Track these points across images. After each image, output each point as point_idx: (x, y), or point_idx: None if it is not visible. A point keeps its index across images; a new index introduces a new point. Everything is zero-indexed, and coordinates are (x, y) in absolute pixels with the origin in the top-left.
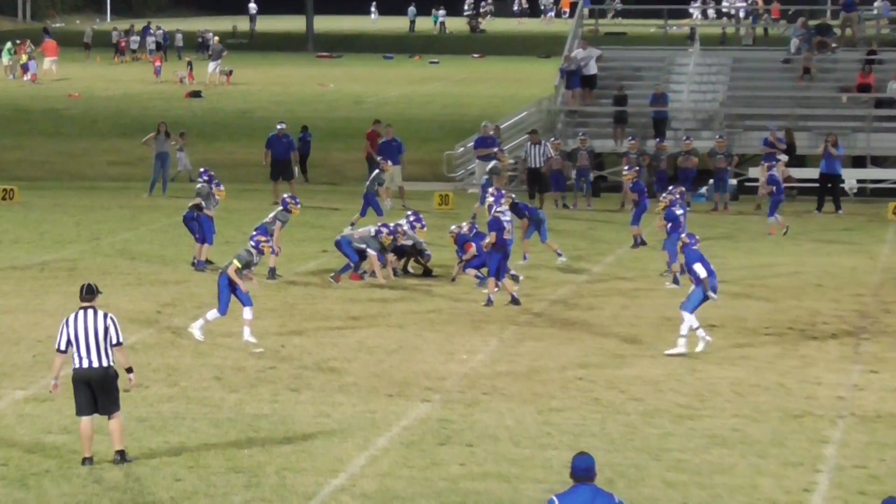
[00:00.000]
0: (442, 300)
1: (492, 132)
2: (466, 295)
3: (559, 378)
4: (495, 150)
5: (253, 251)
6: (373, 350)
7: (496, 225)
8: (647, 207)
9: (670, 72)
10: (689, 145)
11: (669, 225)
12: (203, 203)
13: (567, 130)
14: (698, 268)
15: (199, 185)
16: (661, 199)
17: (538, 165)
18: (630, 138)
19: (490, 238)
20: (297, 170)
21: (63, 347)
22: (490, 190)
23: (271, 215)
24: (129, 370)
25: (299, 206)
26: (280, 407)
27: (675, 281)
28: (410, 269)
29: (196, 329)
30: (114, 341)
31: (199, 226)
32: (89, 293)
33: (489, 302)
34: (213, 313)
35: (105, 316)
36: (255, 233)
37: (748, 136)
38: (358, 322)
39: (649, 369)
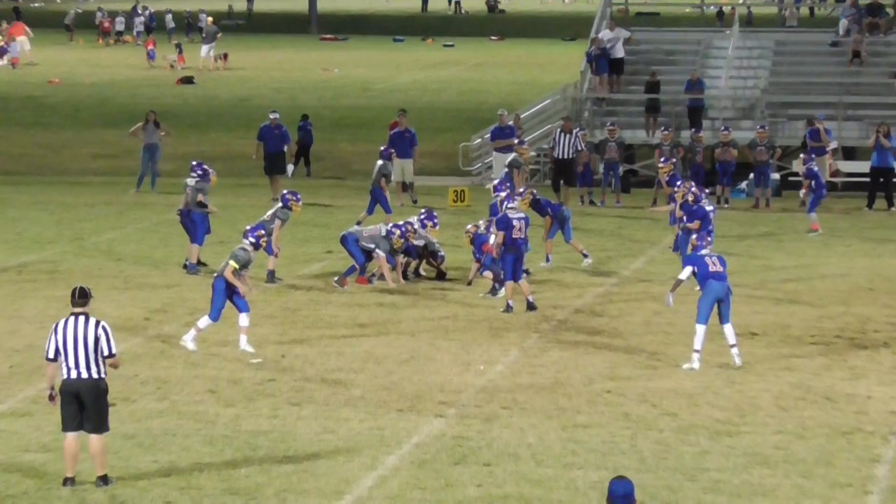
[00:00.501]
0: (457, 306)
1: (510, 122)
2: (483, 300)
3: (585, 391)
4: (514, 141)
5: (249, 248)
6: (382, 360)
7: (504, 223)
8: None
9: (707, 56)
10: (727, 136)
11: (691, 221)
12: (205, 200)
13: (594, 120)
14: (686, 270)
15: (195, 182)
16: (675, 189)
17: (567, 156)
18: (663, 129)
19: (497, 238)
20: (290, 165)
21: (52, 356)
22: (494, 184)
23: (270, 212)
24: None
25: (301, 203)
26: (280, 423)
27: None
28: (422, 272)
29: (188, 341)
30: (104, 353)
31: (190, 224)
32: (82, 297)
33: (508, 308)
34: (204, 320)
35: (97, 324)
36: (249, 229)
37: (792, 126)
38: (365, 330)
39: (684, 381)
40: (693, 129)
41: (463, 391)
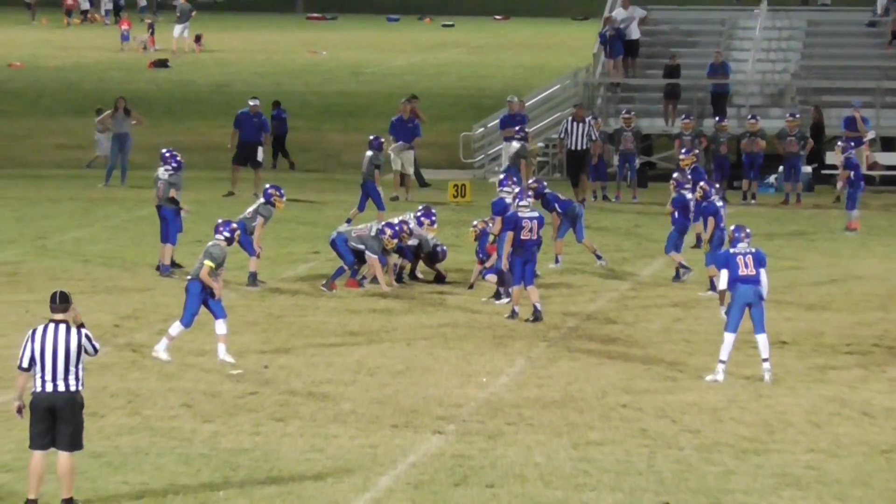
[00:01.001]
0: (457, 312)
1: (521, 109)
2: (486, 305)
3: (599, 405)
4: (516, 129)
5: (223, 244)
6: (374, 371)
7: (512, 222)
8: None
9: (732, 37)
10: (754, 125)
11: (697, 220)
12: (178, 195)
13: (608, 107)
14: (722, 277)
15: (168, 174)
16: (700, 185)
17: (581, 147)
18: (683, 117)
19: (505, 240)
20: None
21: (26, 365)
22: (500, 178)
23: (251, 209)
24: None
25: (284, 198)
26: (263, 440)
27: (712, 287)
28: (419, 275)
29: (161, 351)
30: (91, 353)
31: (161, 221)
32: (63, 302)
33: (513, 314)
34: (176, 327)
35: (78, 332)
36: (221, 223)
37: (826, 114)
38: (356, 338)
39: (707, 395)
40: (717, 118)
41: (464, 405)
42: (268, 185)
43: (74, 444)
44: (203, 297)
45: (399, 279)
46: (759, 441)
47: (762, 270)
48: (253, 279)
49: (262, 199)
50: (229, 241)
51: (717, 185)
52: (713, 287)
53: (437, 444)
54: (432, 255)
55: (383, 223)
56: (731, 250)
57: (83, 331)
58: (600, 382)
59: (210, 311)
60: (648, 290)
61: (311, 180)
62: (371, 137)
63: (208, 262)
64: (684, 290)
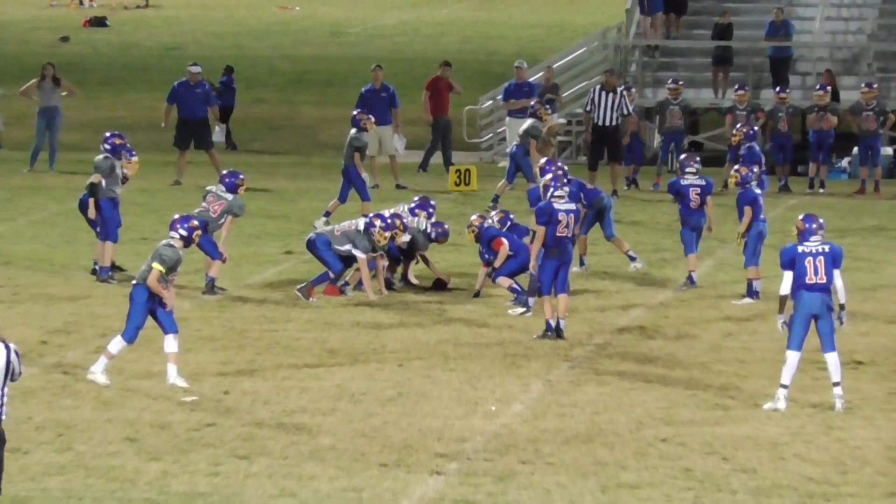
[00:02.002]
0: (461, 325)
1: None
2: (496, 317)
3: (633, 439)
4: (533, 101)
5: (178, 244)
6: (359, 398)
7: (545, 215)
8: (768, 185)
9: None
10: (822, 98)
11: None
12: (103, 182)
13: (644, 75)
14: (785, 279)
15: (98, 157)
16: (733, 171)
17: (610, 123)
18: (737, 87)
19: (537, 236)
20: (217, 128)
21: None
22: (540, 163)
23: (215, 204)
24: None
25: (242, 179)
26: (223, 482)
27: (750, 292)
28: (414, 280)
29: (98, 373)
30: (14, 378)
31: (98, 216)
32: None
33: (549, 331)
34: (116, 343)
35: (7, 347)
36: (178, 219)
37: None
38: (337, 357)
39: (765, 427)
40: (777, 89)
41: (468, 440)
42: (226, 172)
43: None
44: (150, 308)
45: (389, 285)
46: (828, 483)
47: (836, 272)
48: (211, 286)
49: (223, 191)
50: (186, 241)
51: (756, 169)
52: (751, 292)
53: (435, 487)
54: (423, 244)
55: (372, 215)
56: (800, 248)
57: (11, 346)
58: (635, 412)
59: (159, 324)
60: (693, 298)
61: (282, 164)
62: (354, 113)
63: (157, 266)
64: (737, 297)
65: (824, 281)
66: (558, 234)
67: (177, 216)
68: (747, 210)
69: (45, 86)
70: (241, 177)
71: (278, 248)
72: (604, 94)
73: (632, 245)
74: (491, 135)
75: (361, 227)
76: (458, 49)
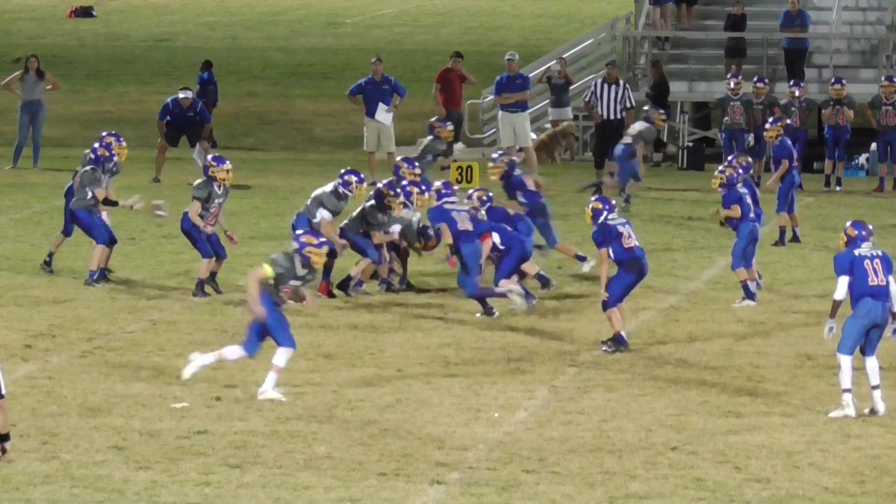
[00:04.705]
0: (462, 329)
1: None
2: (499, 321)
3: (642, 448)
4: (528, 94)
5: (297, 255)
6: (356, 405)
7: (601, 235)
8: (799, 181)
9: None
10: (839, 91)
11: (727, 206)
12: (90, 191)
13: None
14: (841, 284)
15: (86, 169)
16: (717, 172)
17: (613, 116)
18: (756, 80)
19: (601, 258)
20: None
21: None
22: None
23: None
24: (5, 438)
25: (225, 166)
26: (214, 492)
27: (748, 295)
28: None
29: (269, 390)
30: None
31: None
32: None
33: (619, 343)
34: (281, 355)
35: None
36: (298, 236)
37: None
38: (333, 362)
39: (780, 434)
40: (791, 82)
41: (470, 448)
42: (211, 156)
43: None
44: (272, 316)
45: (389, 287)
46: (845, 493)
47: (890, 278)
48: (200, 288)
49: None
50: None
51: (747, 165)
52: (748, 294)
53: (436, 498)
54: (420, 237)
55: (384, 183)
56: (856, 251)
57: None
58: (644, 419)
59: (268, 333)
60: (705, 301)
61: (276, 161)
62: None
63: (268, 268)
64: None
65: (884, 283)
66: (626, 246)
67: (301, 232)
68: (734, 207)
69: (28, 79)
70: (224, 164)
71: (272, 248)
72: (606, 87)
73: (642, 244)
74: (493, 130)
75: (329, 188)
76: (459, 40)
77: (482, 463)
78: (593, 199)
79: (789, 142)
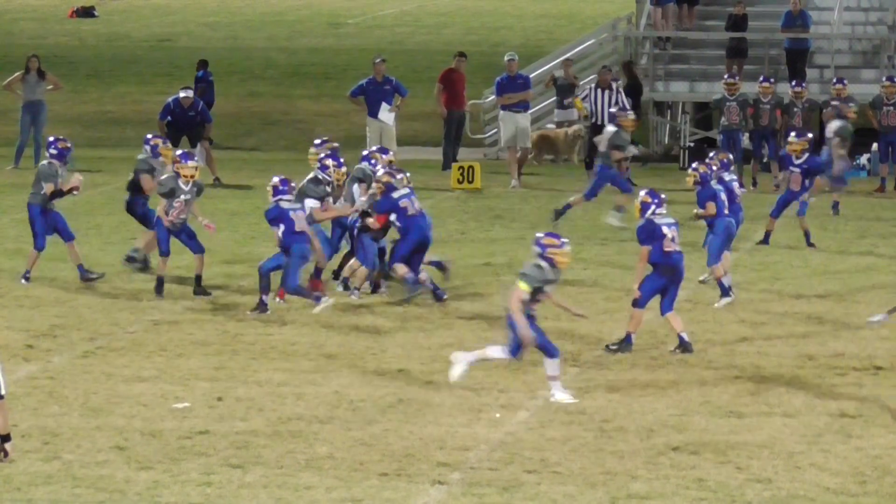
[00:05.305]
0: (464, 329)
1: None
2: (500, 320)
3: (643, 447)
4: (530, 94)
5: (545, 264)
6: (358, 405)
7: (646, 233)
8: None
9: None
10: (841, 91)
11: (702, 207)
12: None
13: (656, 68)
14: None
15: (43, 163)
16: (691, 169)
17: (604, 121)
18: (762, 79)
19: (641, 255)
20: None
21: None
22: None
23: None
24: (6, 438)
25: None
26: (216, 492)
27: (724, 292)
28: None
29: (558, 394)
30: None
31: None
32: None
33: (628, 342)
34: (551, 365)
35: None
36: (539, 238)
37: None
38: (335, 363)
39: (781, 435)
40: (793, 82)
41: (472, 448)
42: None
43: None
44: (533, 327)
45: (376, 289)
46: (847, 493)
47: None
48: (199, 285)
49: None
50: (546, 260)
51: (726, 162)
52: (724, 291)
53: (437, 498)
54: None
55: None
56: None
57: None
58: (645, 419)
59: (543, 350)
60: (707, 301)
61: (277, 161)
62: (613, 109)
63: (522, 284)
64: (758, 301)
65: None
66: (666, 250)
67: (541, 234)
68: (710, 205)
69: (30, 79)
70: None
71: (273, 248)
72: (599, 91)
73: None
74: (495, 130)
75: (309, 177)
76: (461, 40)
77: (484, 463)
78: (643, 192)
79: (818, 158)
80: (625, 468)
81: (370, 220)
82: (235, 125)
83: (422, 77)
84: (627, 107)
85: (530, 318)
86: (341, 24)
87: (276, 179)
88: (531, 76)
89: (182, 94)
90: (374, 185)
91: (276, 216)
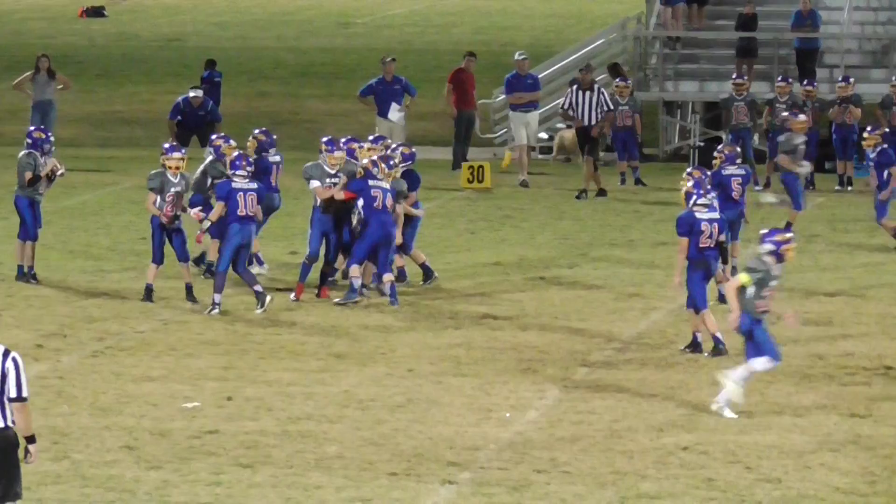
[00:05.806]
0: (473, 329)
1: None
2: (510, 320)
3: (653, 447)
4: (538, 95)
5: (770, 256)
6: (367, 405)
7: (685, 225)
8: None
9: None
10: (847, 90)
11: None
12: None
13: (665, 68)
14: None
15: (20, 154)
16: (685, 174)
17: (592, 122)
18: (780, 78)
19: (679, 247)
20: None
21: None
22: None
23: (199, 169)
24: (31, 440)
25: (175, 155)
26: (225, 492)
27: (721, 297)
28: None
29: (730, 384)
30: (11, 395)
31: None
32: None
33: (720, 345)
34: (761, 362)
35: (5, 354)
36: (767, 234)
37: None
38: (344, 362)
39: (791, 435)
40: (803, 81)
41: (481, 448)
42: (214, 136)
43: (8, 492)
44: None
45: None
46: (856, 493)
47: None
48: (148, 293)
49: (211, 155)
50: (777, 255)
51: (733, 154)
52: (721, 297)
53: (447, 498)
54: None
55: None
56: None
57: (12, 353)
58: (655, 419)
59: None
60: (714, 302)
61: (287, 160)
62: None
63: (744, 278)
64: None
65: None
66: (701, 245)
67: (765, 231)
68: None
69: (40, 78)
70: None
71: (282, 248)
72: (581, 93)
73: (651, 243)
74: (505, 129)
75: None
76: (470, 40)
77: (493, 463)
78: (689, 182)
79: (892, 152)
80: (634, 468)
81: (336, 190)
82: (244, 125)
83: (431, 77)
84: (611, 106)
85: (761, 315)
86: (350, 24)
87: (234, 154)
88: (540, 76)
89: (192, 94)
90: (357, 168)
91: (225, 195)
